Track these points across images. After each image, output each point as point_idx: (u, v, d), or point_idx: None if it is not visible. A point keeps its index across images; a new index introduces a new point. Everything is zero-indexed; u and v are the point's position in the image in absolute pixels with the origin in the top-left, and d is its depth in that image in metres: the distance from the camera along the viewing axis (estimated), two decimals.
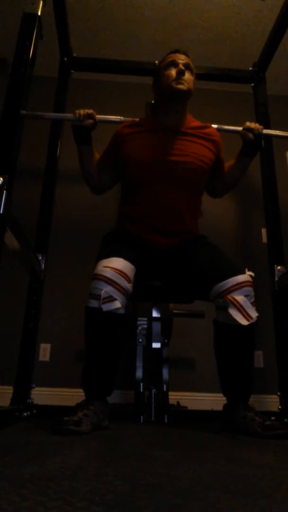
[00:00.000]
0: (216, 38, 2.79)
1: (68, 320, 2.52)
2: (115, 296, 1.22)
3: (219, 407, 1.46)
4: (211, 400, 2.29)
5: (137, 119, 1.57)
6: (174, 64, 1.43)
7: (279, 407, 1.63)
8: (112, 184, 1.61)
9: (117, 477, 0.59)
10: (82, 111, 1.45)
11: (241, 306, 1.24)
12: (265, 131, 1.54)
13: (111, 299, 1.21)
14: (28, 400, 1.59)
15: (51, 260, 1.92)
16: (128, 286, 1.25)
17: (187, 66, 1.44)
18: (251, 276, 1.31)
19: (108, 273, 1.22)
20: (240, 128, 1.52)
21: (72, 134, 1.47)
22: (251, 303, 1.27)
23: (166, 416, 1.59)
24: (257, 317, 1.27)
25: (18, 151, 1.24)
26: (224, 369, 1.35)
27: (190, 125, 1.50)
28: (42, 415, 1.62)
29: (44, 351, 2.48)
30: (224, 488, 0.54)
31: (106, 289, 1.21)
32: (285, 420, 1.53)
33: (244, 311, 1.24)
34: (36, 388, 1.71)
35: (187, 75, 1.43)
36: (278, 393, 1.66)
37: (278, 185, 1.95)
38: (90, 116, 1.45)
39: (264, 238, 2.71)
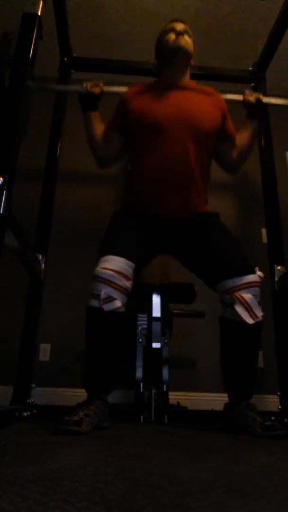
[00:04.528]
0: (216, 38, 2.79)
1: (68, 320, 2.52)
2: (115, 296, 1.25)
3: (219, 407, 1.46)
4: (211, 400, 2.29)
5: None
6: (173, 30, 1.50)
7: (279, 407, 1.63)
8: (118, 155, 1.60)
9: (117, 477, 0.59)
10: (89, 82, 1.54)
11: (248, 304, 1.27)
12: (265, 99, 1.62)
13: (111, 299, 1.25)
14: (28, 400, 1.59)
15: (51, 260, 1.92)
16: (127, 284, 1.28)
17: (185, 31, 1.51)
18: (260, 276, 1.33)
19: (106, 275, 1.25)
20: (240, 97, 1.62)
21: (77, 117, 1.58)
22: (258, 302, 1.29)
23: (166, 416, 1.59)
24: (263, 316, 1.30)
25: (18, 146, 1.23)
26: (229, 366, 1.36)
27: (194, 84, 1.56)
28: (42, 415, 1.62)
29: (44, 351, 2.47)
30: (224, 488, 0.54)
31: (105, 290, 1.24)
32: (285, 420, 1.53)
33: (250, 310, 1.27)
34: (36, 388, 1.71)
35: (186, 37, 1.50)
36: (278, 393, 1.66)
37: (278, 185, 1.95)
38: (97, 85, 1.54)
39: (264, 238, 2.70)
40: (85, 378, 1.29)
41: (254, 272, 1.31)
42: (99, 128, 1.55)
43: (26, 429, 1.20)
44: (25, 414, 1.45)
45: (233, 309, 1.28)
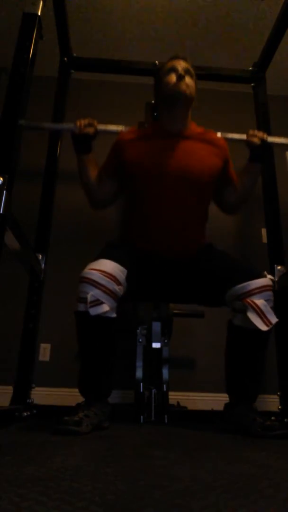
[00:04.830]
0: (216, 38, 2.79)
1: (68, 320, 2.51)
2: (103, 300, 1.17)
3: (219, 407, 1.45)
4: (211, 400, 2.29)
5: (137, 126, 1.54)
6: (174, 69, 1.39)
7: (279, 407, 1.63)
8: (113, 198, 1.53)
9: (117, 477, 0.59)
10: (82, 121, 1.44)
11: (261, 310, 1.22)
12: (270, 138, 1.52)
13: (98, 302, 1.17)
14: (28, 400, 1.59)
15: (51, 260, 1.92)
16: (117, 288, 1.20)
17: (187, 71, 1.40)
18: (271, 280, 1.30)
19: (95, 276, 1.17)
20: (244, 136, 1.51)
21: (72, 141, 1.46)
22: (271, 307, 1.25)
23: (166, 416, 1.59)
24: (276, 322, 1.25)
25: (17, 156, 1.23)
26: (235, 372, 1.33)
27: (194, 131, 1.47)
28: (42, 415, 1.62)
29: (44, 351, 2.47)
30: (224, 488, 0.54)
31: (92, 293, 1.16)
32: (285, 420, 1.53)
33: (264, 316, 1.22)
34: (36, 388, 1.71)
35: (188, 79, 1.39)
36: (278, 393, 1.66)
37: (278, 185, 1.95)
38: (90, 124, 1.44)
39: (264, 238, 2.70)
40: (80, 385, 1.26)
41: (264, 276, 1.28)
42: (93, 171, 1.47)
43: (26, 429, 1.20)
44: (25, 414, 1.45)
45: (245, 316, 1.23)
